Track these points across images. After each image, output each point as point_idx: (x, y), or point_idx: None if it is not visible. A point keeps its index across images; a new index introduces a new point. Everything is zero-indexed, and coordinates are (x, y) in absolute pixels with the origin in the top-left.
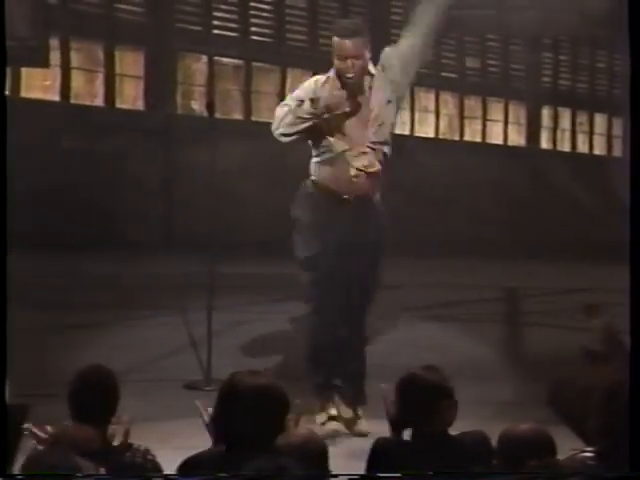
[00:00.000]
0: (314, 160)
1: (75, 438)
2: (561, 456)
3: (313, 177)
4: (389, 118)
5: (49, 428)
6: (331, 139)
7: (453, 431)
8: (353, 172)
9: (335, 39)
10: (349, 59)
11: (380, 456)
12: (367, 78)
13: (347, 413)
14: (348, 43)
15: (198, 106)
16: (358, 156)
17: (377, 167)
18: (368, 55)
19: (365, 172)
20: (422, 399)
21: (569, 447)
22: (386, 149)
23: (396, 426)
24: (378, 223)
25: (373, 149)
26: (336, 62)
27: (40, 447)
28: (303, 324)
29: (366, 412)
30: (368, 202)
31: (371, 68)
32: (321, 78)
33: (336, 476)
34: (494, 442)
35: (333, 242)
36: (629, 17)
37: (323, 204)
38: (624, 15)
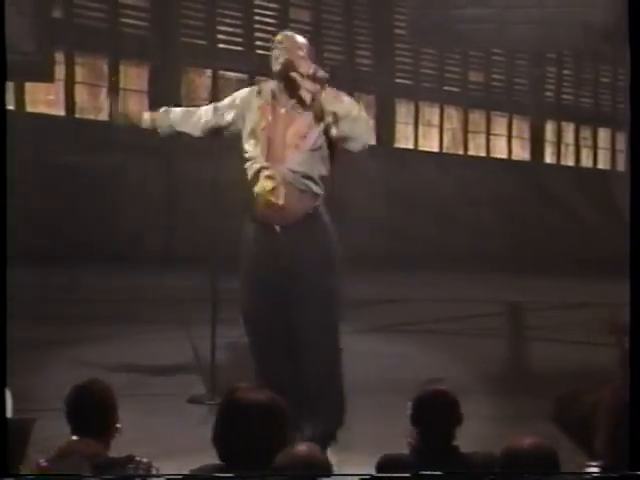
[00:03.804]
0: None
1: (78, 452)
2: (565, 471)
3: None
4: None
5: None
6: (252, 149)
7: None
8: (258, 192)
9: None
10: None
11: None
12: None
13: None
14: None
15: None
16: (266, 179)
17: (280, 201)
18: (310, 70)
19: (265, 199)
20: (436, 418)
21: (574, 462)
22: (305, 185)
23: (418, 447)
24: (318, 247)
25: (289, 177)
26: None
27: (45, 463)
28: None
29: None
30: (301, 227)
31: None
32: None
33: (346, 476)
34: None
35: (267, 273)
36: (629, 30)
37: (254, 236)
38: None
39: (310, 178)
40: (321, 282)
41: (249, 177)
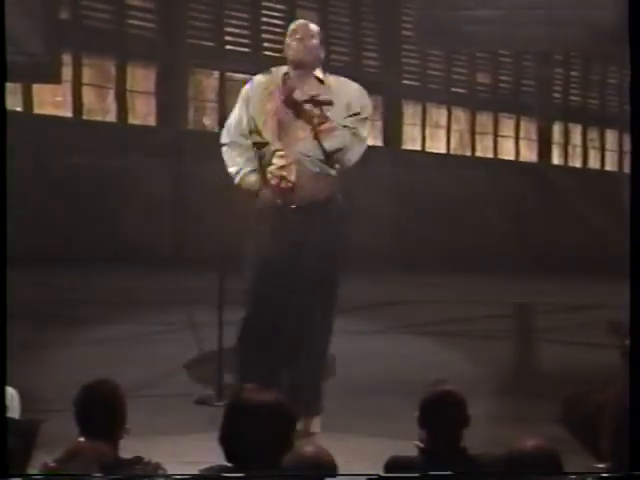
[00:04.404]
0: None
1: (87, 453)
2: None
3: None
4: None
5: None
6: (268, 137)
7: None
8: (268, 173)
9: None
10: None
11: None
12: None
13: None
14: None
15: (210, 121)
16: (278, 158)
17: (291, 177)
18: (320, 54)
19: (277, 176)
20: (443, 419)
21: (580, 464)
22: (319, 166)
23: (425, 449)
24: (331, 229)
25: (301, 159)
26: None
27: (53, 464)
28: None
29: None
30: (316, 208)
31: (328, 78)
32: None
33: (353, 476)
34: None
35: (275, 253)
36: (629, 30)
37: (266, 215)
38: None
39: (324, 162)
40: (322, 266)
41: (264, 161)
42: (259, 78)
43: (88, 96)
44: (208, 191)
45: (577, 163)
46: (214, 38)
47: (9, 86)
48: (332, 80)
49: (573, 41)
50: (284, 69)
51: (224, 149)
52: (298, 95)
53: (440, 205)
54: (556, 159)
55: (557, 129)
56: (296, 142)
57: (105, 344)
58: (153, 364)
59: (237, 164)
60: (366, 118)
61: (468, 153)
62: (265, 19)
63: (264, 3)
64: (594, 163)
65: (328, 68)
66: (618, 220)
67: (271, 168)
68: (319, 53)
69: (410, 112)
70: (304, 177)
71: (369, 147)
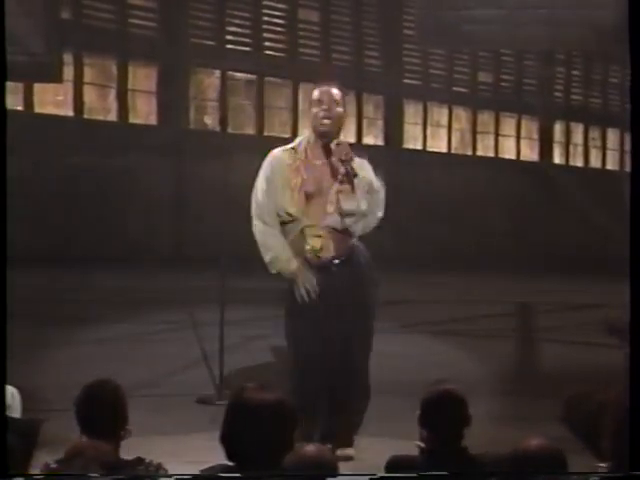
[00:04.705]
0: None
1: (89, 453)
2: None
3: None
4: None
5: None
6: (294, 212)
7: (468, 449)
8: (307, 251)
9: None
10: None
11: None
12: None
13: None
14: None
15: (211, 121)
16: (313, 238)
17: (331, 252)
18: (344, 121)
19: (317, 257)
20: (444, 418)
21: (581, 464)
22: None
23: (426, 448)
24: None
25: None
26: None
27: (54, 464)
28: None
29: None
30: (347, 261)
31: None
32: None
33: (354, 476)
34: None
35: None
36: (629, 30)
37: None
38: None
39: (349, 216)
40: (365, 300)
41: (290, 235)
42: (280, 155)
43: (89, 95)
44: (209, 190)
45: (578, 162)
46: (215, 37)
47: (11, 85)
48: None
49: (574, 41)
50: (304, 140)
51: (256, 227)
52: (349, 167)
53: (441, 204)
54: (557, 158)
55: (558, 128)
56: (325, 217)
57: (106, 344)
58: (154, 364)
59: (272, 249)
60: (382, 199)
61: (469, 152)
62: (266, 18)
63: (265, 2)
64: (595, 162)
65: (329, 66)
66: (619, 219)
67: (309, 248)
68: (343, 120)
69: (411, 111)
70: (337, 243)
71: (369, 146)
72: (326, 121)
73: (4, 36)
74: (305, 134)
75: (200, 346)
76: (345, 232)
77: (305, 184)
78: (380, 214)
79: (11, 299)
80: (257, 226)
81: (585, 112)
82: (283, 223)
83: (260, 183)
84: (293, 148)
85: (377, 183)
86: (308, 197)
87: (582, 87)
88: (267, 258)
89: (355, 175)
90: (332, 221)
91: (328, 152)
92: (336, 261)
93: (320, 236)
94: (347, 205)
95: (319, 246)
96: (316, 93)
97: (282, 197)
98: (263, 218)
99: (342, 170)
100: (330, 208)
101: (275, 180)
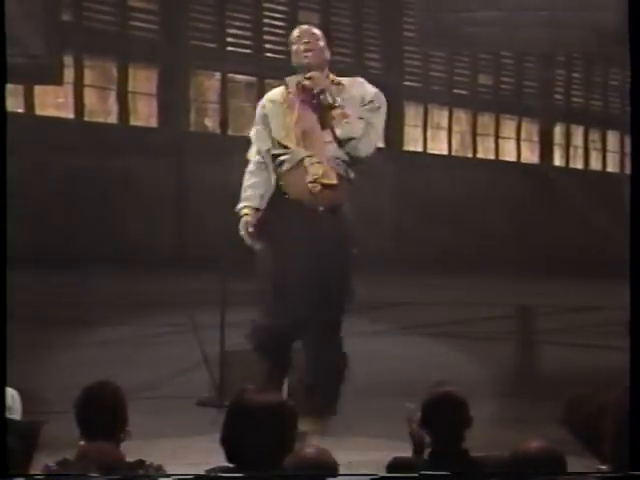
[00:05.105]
0: (278, 170)
1: (89, 455)
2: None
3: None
4: (357, 140)
5: None
6: (292, 146)
7: (468, 452)
8: (309, 179)
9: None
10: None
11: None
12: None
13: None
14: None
15: (211, 123)
16: (314, 164)
17: (334, 180)
18: (327, 56)
19: (320, 183)
20: (445, 420)
21: (582, 466)
22: (345, 170)
23: (419, 447)
24: (344, 235)
25: (332, 162)
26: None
27: (55, 467)
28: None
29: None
30: (333, 214)
31: (342, 79)
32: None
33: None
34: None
35: (293, 253)
36: (629, 30)
37: (288, 216)
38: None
39: (349, 165)
40: (345, 261)
41: (285, 168)
42: (274, 94)
43: (90, 97)
44: (210, 192)
45: (578, 164)
46: (215, 39)
47: (11, 88)
48: (345, 80)
49: (575, 43)
50: (296, 78)
51: (249, 169)
52: (324, 97)
53: (441, 206)
54: (557, 160)
55: (559, 130)
56: (324, 146)
57: (107, 346)
58: (155, 366)
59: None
60: (380, 107)
61: (469, 154)
62: (266, 20)
63: (265, 4)
64: (596, 164)
65: (331, 69)
66: (619, 221)
67: (311, 176)
68: (326, 55)
69: (412, 113)
70: (337, 181)
71: None
72: (308, 54)
73: (4, 38)
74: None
75: (200, 348)
76: (344, 177)
77: (300, 119)
78: (381, 127)
79: (14, 301)
80: (251, 167)
81: (585, 114)
82: (278, 156)
83: (256, 126)
84: (285, 86)
85: (372, 94)
86: (304, 131)
87: (582, 89)
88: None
89: (334, 102)
90: (332, 150)
91: (318, 89)
92: (321, 208)
93: (321, 163)
94: (342, 132)
95: (320, 172)
96: (295, 31)
97: (278, 133)
98: (251, 156)
99: (323, 102)
100: (328, 137)
101: (268, 118)
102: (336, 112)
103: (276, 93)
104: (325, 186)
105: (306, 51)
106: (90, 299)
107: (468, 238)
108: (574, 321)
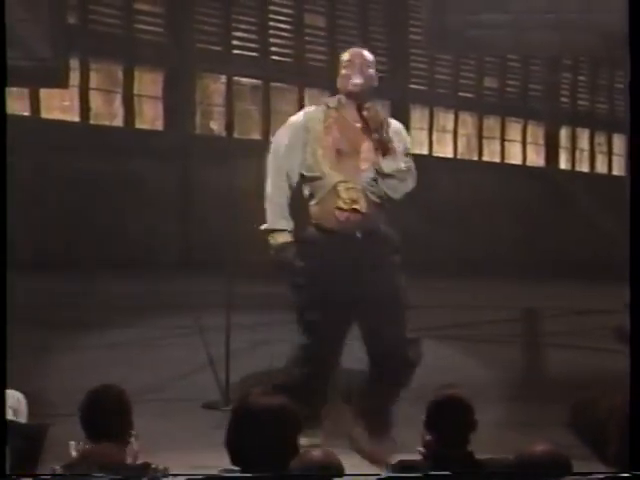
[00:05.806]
0: (311, 202)
1: (95, 458)
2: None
3: (313, 220)
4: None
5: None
6: (326, 169)
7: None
8: (341, 204)
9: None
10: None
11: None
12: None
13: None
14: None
15: (217, 126)
16: (349, 190)
17: (363, 206)
18: (375, 84)
19: (349, 209)
20: (450, 423)
21: (587, 470)
22: (378, 196)
23: (428, 453)
24: (387, 259)
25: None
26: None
27: (60, 470)
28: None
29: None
30: (372, 237)
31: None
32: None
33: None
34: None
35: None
36: (629, 31)
37: (324, 246)
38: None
39: (382, 193)
40: (394, 283)
41: (320, 194)
42: (313, 112)
43: (95, 101)
44: (215, 195)
45: (584, 167)
46: (221, 42)
47: (17, 91)
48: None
49: (581, 46)
50: (335, 100)
51: (276, 183)
52: (382, 131)
53: (447, 209)
54: (563, 163)
55: (564, 133)
56: (359, 173)
57: (112, 348)
58: (160, 368)
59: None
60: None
61: (475, 157)
62: (272, 23)
63: (271, 7)
64: (601, 167)
65: (335, 72)
66: (625, 224)
67: (341, 201)
68: (374, 83)
69: (417, 116)
70: (370, 207)
71: None
72: (357, 81)
73: (4, 40)
74: (338, 95)
75: (206, 351)
76: (378, 204)
77: (338, 142)
78: (413, 181)
79: (18, 303)
80: (268, 184)
81: (591, 117)
82: (309, 180)
83: (282, 139)
84: (327, 106)
85: (408, 144)
86: (340, 155)
87: (588, 92)
88: (268, 225)
89: (389, 140)
90: (366, 177)
91: (360, 112)
92: (359, 234)
93: (354, 189)
94: (387, 165)
95: (354, 198)
96: (346, 55)
97: (312, 155)
98: (275, 176)
99: (376, 136)
100: (364, 165)
101: (305, 137)
102: (385, 145)
103: (316, 112)
104: (357, 211)
105: (355, 78)
106: (95, 302)
107: (473, 241)
108: (580, 324)
